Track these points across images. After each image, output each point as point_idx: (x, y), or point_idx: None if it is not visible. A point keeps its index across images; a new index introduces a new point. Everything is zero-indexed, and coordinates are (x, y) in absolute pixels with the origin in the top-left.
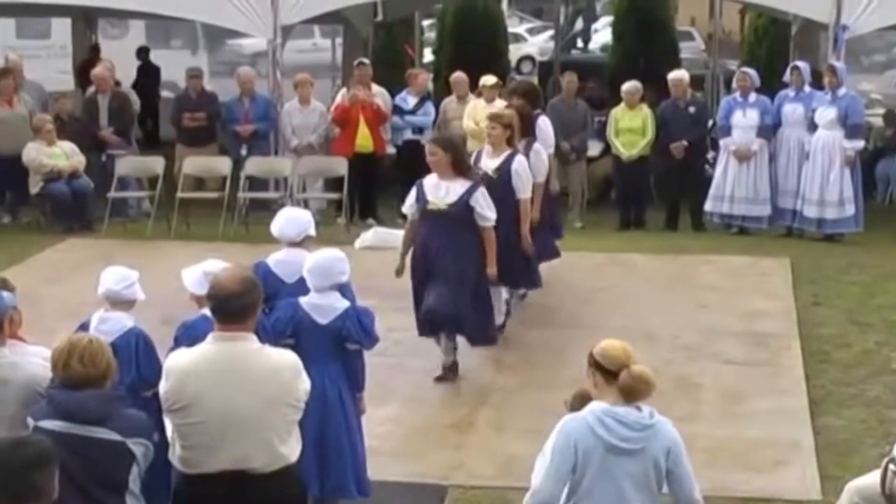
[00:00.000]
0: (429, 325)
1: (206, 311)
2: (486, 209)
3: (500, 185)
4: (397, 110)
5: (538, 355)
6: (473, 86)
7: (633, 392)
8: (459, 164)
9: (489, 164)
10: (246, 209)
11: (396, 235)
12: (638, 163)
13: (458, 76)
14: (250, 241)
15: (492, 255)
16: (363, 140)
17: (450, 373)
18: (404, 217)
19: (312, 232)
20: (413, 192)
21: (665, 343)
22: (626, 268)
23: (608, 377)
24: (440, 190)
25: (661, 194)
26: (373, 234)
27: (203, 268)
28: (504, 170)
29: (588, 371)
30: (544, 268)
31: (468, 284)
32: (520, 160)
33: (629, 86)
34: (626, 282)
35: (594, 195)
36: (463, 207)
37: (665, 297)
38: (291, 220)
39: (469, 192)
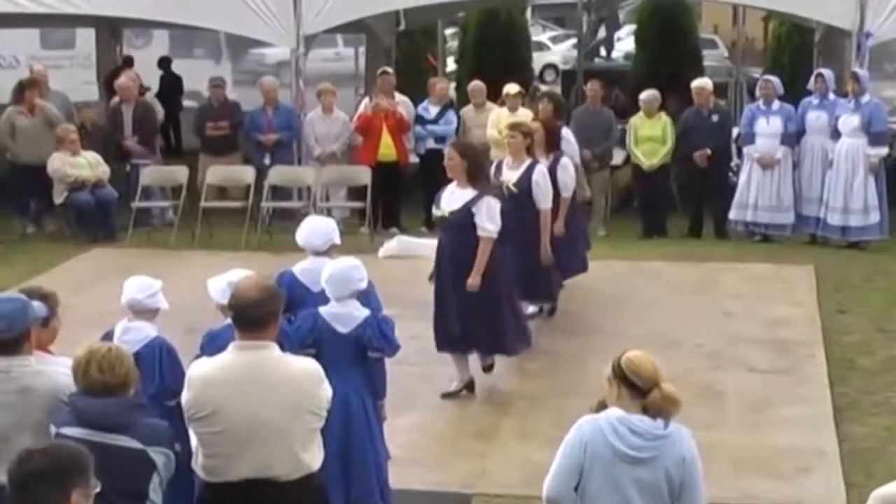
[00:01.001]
0: (440, 343)
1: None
2: (485, 219)
3: (521, 197)
4: (419, 119)
5: (562, 363)
6: (497, 94)
7: (660, 411)
8: (474, 172)
9: (510, 175)
10: (269, 218)
11: (420, 244)
12: (659, 171)
13: (475, 84)
14: (273, 251)
15: (480, 265)
16: (386, 149)
17: (464, 390)
18: (428, 225)
19: (337, 240)
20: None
21: (688, 351)
22: (650, 276)
23: (634, 392)
24: (451, 197)
25: (684, 202)
26: (396, 243)
27: (228, 278)
28: (524, 181)
29: (610, 380)
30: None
31: (480, 295)
32: (540, 170)
33: (647, 95)
34: (649, 289)
35: (617, 203)
36: (464, 215)
37: (688, 304)
38: (316, 228)
39: (473, 201)
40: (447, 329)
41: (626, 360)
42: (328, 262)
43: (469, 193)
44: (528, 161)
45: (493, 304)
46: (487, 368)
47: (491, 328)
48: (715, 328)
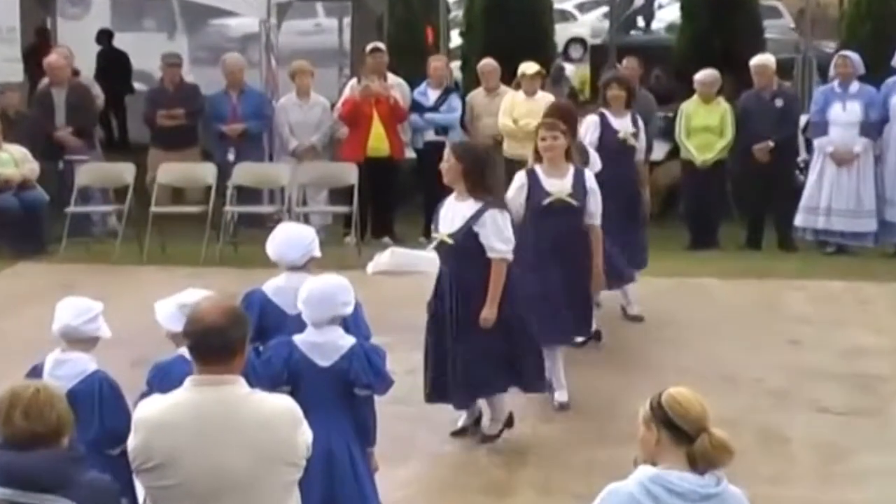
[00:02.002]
0: (433, 394)
1: (184, 351)
2: (492, 237)
3: (576, 211)
4: (417, 106)
5: (590, 402)
6: (511, 75)
7: (709, 461)
8: (475, 179)
9: (559, 186)
10: (234, 226)
11: (418, 258)
12: (713, 169)
13: (487, 64)
14: (240, 265)
15: (494, 294)
16: (377, 142)
17: (473, 427)
18: (427, 234)
19: (317, 253)
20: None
21: (747, 387)
22: (698, 295)
23: (677, 437)
24: (448, 214)
25: (740, 206)
26: (389, 256)
27: (179, 300)
28: (579, 191)
29: (647, 423)
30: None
31: (495, 332)
32: (590, 176)
33: (705, 74)
34: (698, 312)
35: (658, 207)
36: (465, 236)
37: (746, 330)
38: (291, 238)
39: (475, 218)
40: (441, 379)
41: (668, 397)
42: (306, 279)
43: (469, 207)
44: (570, 167)
45: (510, 339)
46: (508, 423)
47: (508, 366)
48: (779, 359)
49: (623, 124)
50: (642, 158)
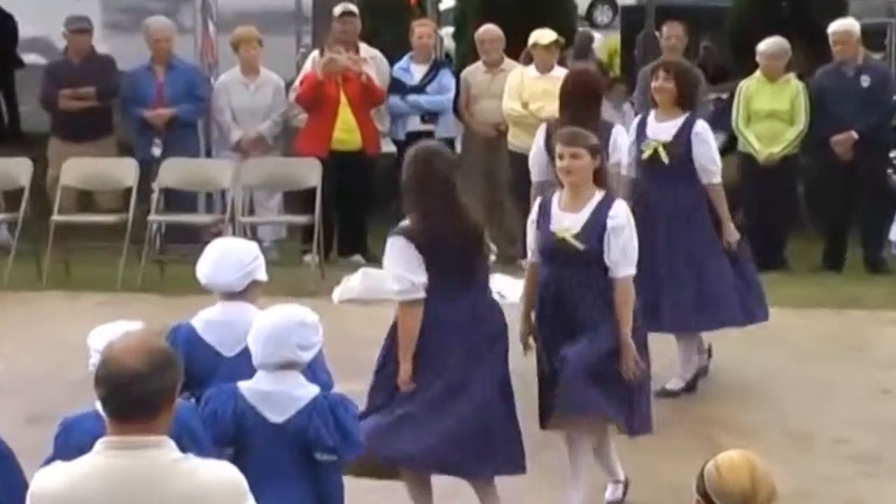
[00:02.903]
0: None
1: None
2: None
3: (584, 260)
4: (397, 86)
5: (630, 467)
6: (519, 46)
7: None
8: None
9: (569, 222)
10: (161, 241)
11: None
12: (781, 166)
13: (488, 31)
14: (166, 291)
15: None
16: (345, 132)
17: None
18: None
19: (260, 275)
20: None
21: (824, 449)
22: (764, 331)
23: None
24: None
25: (815, 215)
26: (361, 280)
27: (113, 333)
28: (591, 230)
29: (696, 497)
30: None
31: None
32: (619, 209)
33: (770, 45)
34: (763, 353)
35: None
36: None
37: (824, 375)
38: (228, 257)
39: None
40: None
41: (711, 467)
42: (247, 310)
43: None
44: (596, 196)
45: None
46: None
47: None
48: (867, 414)
49: (662, 130)
50: (715, 181)
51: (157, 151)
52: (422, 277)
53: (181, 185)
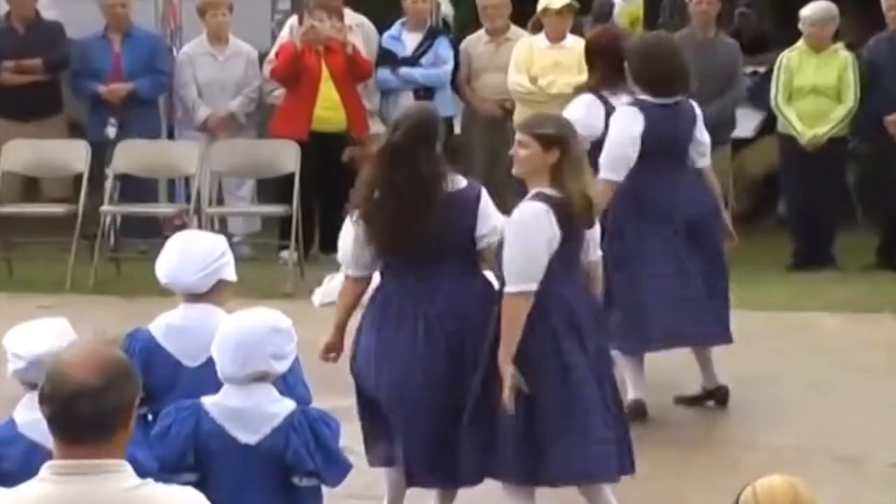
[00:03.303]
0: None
1: (28, 417)
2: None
3: None
4: (387, 58)
5: (650, 495)
6: (526, 13)
7: None
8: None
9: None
10: (116, 235)
11: None
12: (828, 149)
13: None
14: (123, 292)
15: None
16: (328, 110)
17: None
18: None
19: (228, 274)
20: None
21: (877, 474)
22: (807, 339)
23: None
24: None
25: (867, 205)
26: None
27: (23, 339)
28: None
29: None
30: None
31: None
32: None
33: (815, 10)
34: (806, 364)
35: (746, 207)
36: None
37: (876, 391)
38: (191, 253)
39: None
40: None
41: (750, 497)
42: (219, 313)
43: None
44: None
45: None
46: None
47: None
48: None
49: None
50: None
51: (111, 132)
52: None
53: (139, 171)
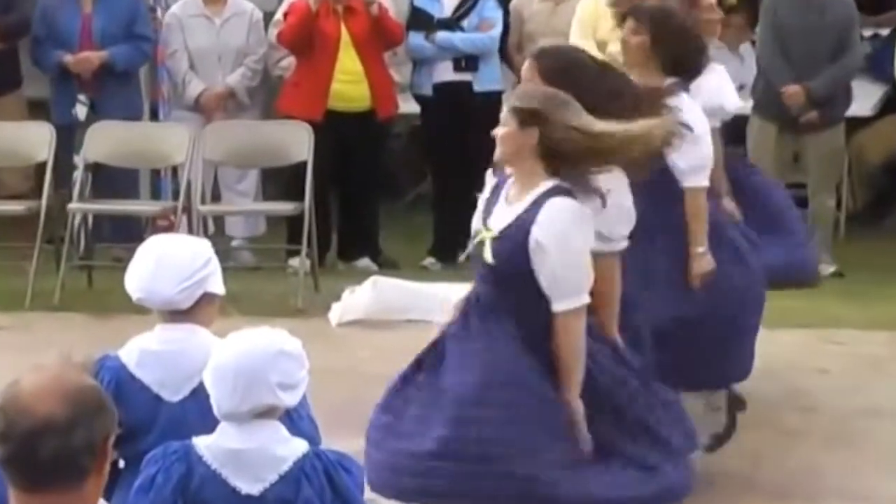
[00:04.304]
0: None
1: None
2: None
3: (498, 280)
4: (420, 19)
5: None
6: None
7: None
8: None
9: (500, 217)
10: (87, 238)
11: (418, 294)
12: None
13: None
14: (95, 309)
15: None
16: (349, 84)
17: None
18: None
19: (216, 286)
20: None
21: None
22: (865, 350)
23: None
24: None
25: None
26: (371, 293)
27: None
28: (512, 237)
29: None
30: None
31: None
32: (558, 208)
33: None
34: (868, 382)
35: (864, 203)
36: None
37: None
38: (168, 260)
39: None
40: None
41: None
42: (200, 337)
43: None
44: (544, 183)
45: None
46: None
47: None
48: None
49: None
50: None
51: (81, 112)
52: None
53: (116, 161)
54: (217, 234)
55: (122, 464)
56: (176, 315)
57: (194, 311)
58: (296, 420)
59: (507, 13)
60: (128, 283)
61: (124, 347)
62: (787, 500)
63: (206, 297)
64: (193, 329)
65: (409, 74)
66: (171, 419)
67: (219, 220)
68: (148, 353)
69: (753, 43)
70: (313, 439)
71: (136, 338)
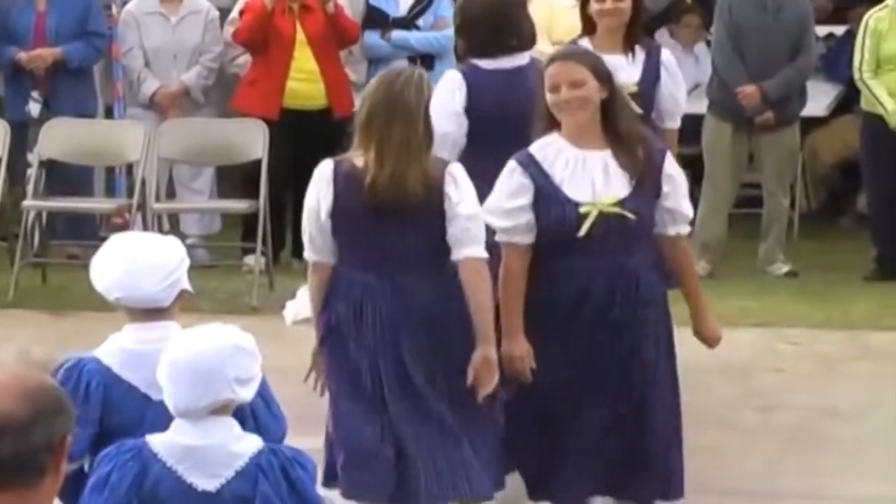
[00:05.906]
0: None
1: None
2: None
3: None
4: (376, 18)
5: None
6: None
7: None
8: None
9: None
10: (41, 235)
11: None
12: None
13: None
14: (49, 306)
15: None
16: (304, 83)
17: None
18: None
19: (187, 283)
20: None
21: None
22: (892, 362)
23: None
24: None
25: None
26: None
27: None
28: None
29: None
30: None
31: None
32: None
33: None
34: (892, 392)
35: (817, 202)
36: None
37: None
38: (146, 258)
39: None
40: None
41: None
42: (171, 332)
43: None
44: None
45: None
46: None
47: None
48: None
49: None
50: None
51: (35, 109)
52: None
53: (70, 158)
54: (172, 232)
55: (86, 468)
56: (152, 313)
57: (171, 308)
58: (261, 417)
59: None
60: (99, 281)
61: (100, 349)
62: (745, 500)
63: (182, 296)
64: (168, 326)
65: (364, 73)
66: (158, 418)
67: (173, 217)
68: (129, 353)
69: (708, 43)
70: (277, 435)
71: (111, 338)
